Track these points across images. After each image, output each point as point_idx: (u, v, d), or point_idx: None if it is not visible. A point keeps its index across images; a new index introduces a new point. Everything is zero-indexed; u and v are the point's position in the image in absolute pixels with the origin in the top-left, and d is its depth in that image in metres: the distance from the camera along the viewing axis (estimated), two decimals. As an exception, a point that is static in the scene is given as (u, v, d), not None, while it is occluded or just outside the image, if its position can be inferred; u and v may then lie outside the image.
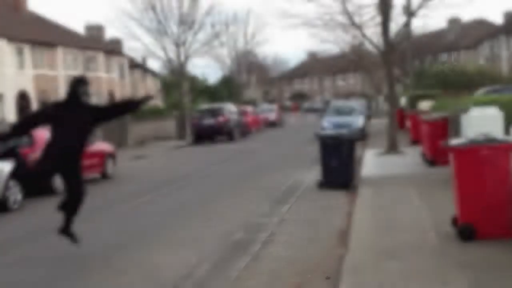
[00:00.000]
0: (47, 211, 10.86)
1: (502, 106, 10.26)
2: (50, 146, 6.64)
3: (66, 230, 6.87)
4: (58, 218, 6.48)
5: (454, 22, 59.04)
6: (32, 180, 7.00)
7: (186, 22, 28.80)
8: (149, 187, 12.89)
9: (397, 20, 30.91)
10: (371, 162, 13.96)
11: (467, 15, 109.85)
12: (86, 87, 6.67)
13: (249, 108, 35.76)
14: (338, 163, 10.59)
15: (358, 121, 22.32)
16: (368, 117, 30.30)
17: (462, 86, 34.67)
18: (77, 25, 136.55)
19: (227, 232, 7.76)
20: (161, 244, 7.33)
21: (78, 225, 8.96)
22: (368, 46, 37.21)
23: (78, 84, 6.64)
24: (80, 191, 6.82)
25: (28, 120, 7.19)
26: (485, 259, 5.28)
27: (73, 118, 6.55)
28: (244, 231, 7.80)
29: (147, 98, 7.50)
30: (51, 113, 6.75)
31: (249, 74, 72.58)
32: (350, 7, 15.84)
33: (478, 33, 55.19)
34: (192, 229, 8.09)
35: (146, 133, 29.07)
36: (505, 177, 5.88)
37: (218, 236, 7.58)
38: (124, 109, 7.30)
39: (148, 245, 7.31)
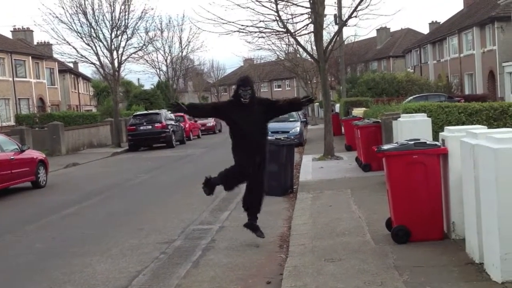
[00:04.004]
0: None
1: (430, 112, 10.75)
2: (239, 146, 7.08)
3: (251, 225, 7.19)
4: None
5: (383, 31, 61.20)
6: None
7: (119, 27, 28.27)
8: (81, 196, 12.53)
9: (329, 29, 31.91)
10: (308, 167, 14.21)
11: (395, 25, 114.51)
12: (245, 90, 6.96)
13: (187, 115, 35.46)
14: (277, 169, 10.69)
15: (296, 127, 22.67)
16: (305, 123, 30.80)
17: (392, 93, 36.08)
18: (3, 29, 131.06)
19: (168, 240, 7.69)
20: (98, 255, 7.15)
21: (8, 236, 8.60)
22: (303, 54, 38.07)
23: (238, 87, 7.04)
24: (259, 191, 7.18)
25: (206, 107, 7.92)
26: (419, 261, 5.49)
27: (245, 117, 6.93)
28: (184, 238, 7.75)
29: (310, 99, 7.59)
30: (225, 110, 7.21)
31: (185, 80, 72.09)
32: (283, 15, 16.12)
33: (406, 42, 57.51)
34: (131, 238, 7.94)
35: (80, 140, 28.25)
36: (435, 180, 6.15)
37: (157, 244, 7.49)
38: (289, 108, 7.66)
39: (85, 256, 7.12)
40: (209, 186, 7.35)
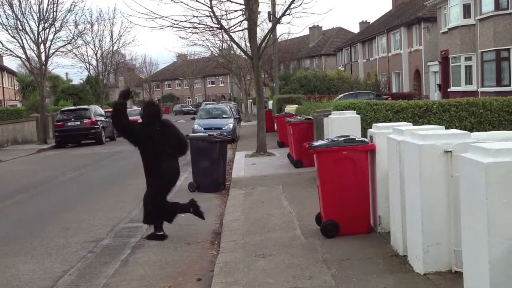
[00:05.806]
0: None
1: (359, 109, 11.05)
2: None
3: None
4: None
5: (315, 29, 62.34)
6: None
7: (47, 19, 27.19)
8: (5, 194, 11.95)
9: (263, 26, 32.12)
10: (241, 163, 14.24)
11: (327, 23, 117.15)
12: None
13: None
14: (209, 165, 10.65)
15: (229, 123, 22.68)
16: (238, 120, 30.89)
17: (324, 90, 36.85)
18: None
19: (95, 239, 7.47)
20: (21, 255, 6.85)
21: None
22: (237, 50, 38.13)
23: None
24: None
25: (129, 125, 7.39)
26: (347, 254, 5.63)
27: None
28: (113, 237, 7.57)
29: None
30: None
31: (116, 75, 70.44)
32: (218, 12, 16.05)
33: (338, 40, 58.88)
34: (57, 238, 7.66)
35: (4, 136, 26.98)
36: (363, 176, 6.32)
37: (85, 243, 7.26)
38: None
39: (8, 256, 6.80)
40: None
